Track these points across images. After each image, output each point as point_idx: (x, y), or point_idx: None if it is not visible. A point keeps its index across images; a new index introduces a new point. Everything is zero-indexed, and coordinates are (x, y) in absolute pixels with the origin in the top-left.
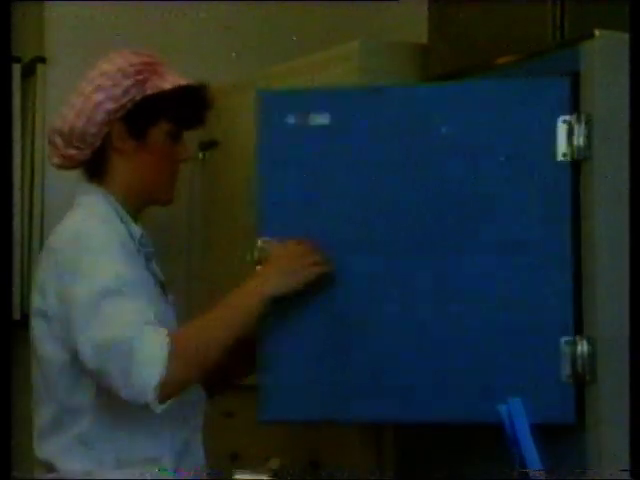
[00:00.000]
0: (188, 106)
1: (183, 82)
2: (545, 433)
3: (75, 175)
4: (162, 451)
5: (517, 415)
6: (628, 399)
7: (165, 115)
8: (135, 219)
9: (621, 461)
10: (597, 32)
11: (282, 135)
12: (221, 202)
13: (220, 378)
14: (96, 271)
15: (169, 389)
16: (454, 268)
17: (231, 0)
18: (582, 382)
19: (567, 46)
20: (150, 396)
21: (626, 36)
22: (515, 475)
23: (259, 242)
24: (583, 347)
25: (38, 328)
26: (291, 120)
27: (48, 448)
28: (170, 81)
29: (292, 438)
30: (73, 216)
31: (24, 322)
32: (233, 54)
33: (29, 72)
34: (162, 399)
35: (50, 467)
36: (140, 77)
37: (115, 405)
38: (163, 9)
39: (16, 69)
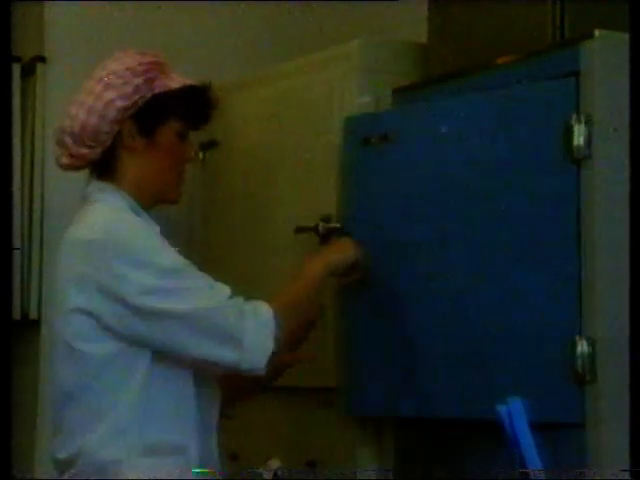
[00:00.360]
0: (195, 105)
1: (189, 81)
2: (545, 432)
3: (76, 175)
4: (189, 441)
5: (517, 415)
6: (628, 399)
7: (174, 114)
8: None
9: (621, 461)
10: (597, 32)
11: (362, 151)
12: (221, 202)
13: (254, 382)
14: (156, 254)
15: (276, 354)
16: (459, 267)
17: (232, 0)
18: (582, 382)
19: (567, 46)
20: (264, 364)
21: (626, 36)
22: (515, 475)
23: (321, 225)
24: (583, 347)
25: (79, 325)
26: (367, 138)
27: (77, 443)
28: (177, 80)
29: (292, 438)
30: (99, 209)
31: (24, 322)
32: (233, 54)
33: (29, 72)
34: (268, 365)
35: (72, 463)
36: (149, 75)
37: (152, 396)
38: (164, 9)
39: (16, 69)
